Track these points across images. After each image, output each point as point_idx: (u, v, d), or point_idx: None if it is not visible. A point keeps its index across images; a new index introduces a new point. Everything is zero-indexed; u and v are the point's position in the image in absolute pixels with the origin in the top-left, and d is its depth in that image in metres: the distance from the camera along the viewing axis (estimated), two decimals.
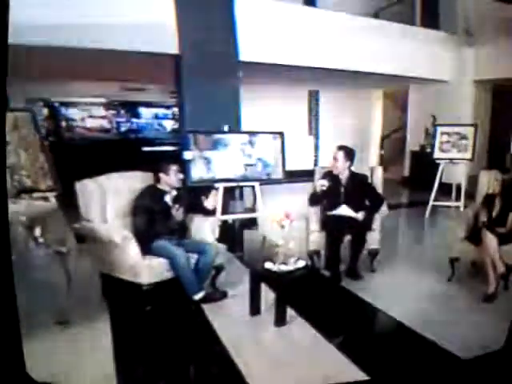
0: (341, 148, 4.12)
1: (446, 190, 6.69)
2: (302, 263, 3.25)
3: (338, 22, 6.99)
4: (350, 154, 4.12)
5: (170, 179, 3.56)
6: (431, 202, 6.38)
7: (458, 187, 6.52)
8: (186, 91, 6.14)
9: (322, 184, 3.98)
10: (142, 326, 3.11)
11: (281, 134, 5.87)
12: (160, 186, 3.58)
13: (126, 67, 6.97)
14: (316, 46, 6.83)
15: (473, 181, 6.22)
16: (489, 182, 4.00)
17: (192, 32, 5.88)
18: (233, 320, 3.19)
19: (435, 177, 6.52)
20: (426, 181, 7.33)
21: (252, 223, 6.12)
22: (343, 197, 4.07)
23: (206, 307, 3.33)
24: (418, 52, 7.72)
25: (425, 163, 7.91)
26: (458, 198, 6.46)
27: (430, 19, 8.27)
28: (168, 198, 3.55)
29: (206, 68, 5.91)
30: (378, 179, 4.38)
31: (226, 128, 6.00)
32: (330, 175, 4.10)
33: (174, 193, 3.59)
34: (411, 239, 5.69)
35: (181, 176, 3.67)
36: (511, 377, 1.91)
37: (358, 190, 4.08)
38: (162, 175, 3.56)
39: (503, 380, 1.91)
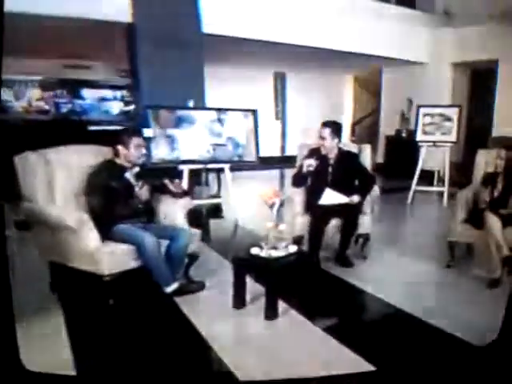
0: (326, 124, 3.86)
1: (424, 175, 6.71)
2: (293, 248, 3.01)
3: None
4: (337, 129, 3.89)
5: (130, 153, 3.20)
6: (414, 187, 6.36)
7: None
8: (142, 65, 5.72)
9: (309, 164, 3.74)
10: (105, 323, 2.76)
11: (254, 111, 5.62)
12: (119, 161, 3.22)
13: (67, 39, 6.38)
14: (284, 21, 6.64)
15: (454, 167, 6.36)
16: (486, 161, 3.94)
17: None
18: (215, 315, 2.89)
19: (412, 162, 6.51)
20: (402, 167, 7.37)
21: (218, 211, 5.85)
22: (331, 177, 3.86)
23: (179, 300, 3.01)
24: (393, 31, 7.71)
25: (401, 148, 7.97)
26: (438, 184, 6.50)
27: None
28: (129, 175, 3.20)
29: (165, 38, 5.53)
30: (366, 159, 4.21)
31: (190, 103, 5.66)
32: (316, 153, 3.87)
33: (137, 169, 3.24)
34: (396, 225, 5.62)
35: (143, 151, 3.35)
36: (504, 368, 1.85)
37: (347, 169, 3.88)
38: (120, 148, 3.20)
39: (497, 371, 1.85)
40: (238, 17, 6.22)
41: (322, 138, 3.83)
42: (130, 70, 6.45)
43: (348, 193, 3.76)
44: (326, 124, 3.88)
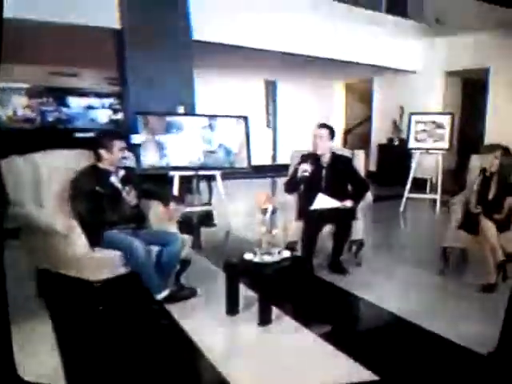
0: (324, 126, 3.96)
1: (417, 183, 6.78)
2: (287, 253, 3.01)
3: (300, 5, 6.87)
4: (332, 132, 3.98)
5: (114, 157, 3.19)
6: (406, 194, 6.42)
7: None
8: (131, 72, 5.73)
9: (304, 169, 3.77)
10: (94, 330, 2.72)
11: (245, 118, 5.65)
12: (102, 166, 3.20)
13: (53, 45, 6.37)
14: (276, 29, 6.71)
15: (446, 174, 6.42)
16: (481, 166, 3.98)
17: (136, 3, 5.50)
18: (207, 321, 2.86)
19: (405, 170, 6.57)
20: (394, 175, 7.44)
21: (209, 219, 5.84)
22: (324, 181, 3.88)
23: (171, 307, 2.99)
24: (384, 40, 7.83)
25: (393, 156, 8.04)
26: (431, 192, 6.58)
27: (397, 6, 8.42)
28: (114, 179, 3.18)
29: (154, 45, 5.55)
30: (360, 164, 4.24)
31: (181, 109, 5.67)
32: (310, 158, 3.90)
33: (122, 172, 3.23)
34: (390, 232, 5.67)
35: (126, 154, 3.39)
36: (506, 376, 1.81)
37: (340, 173, 3.90)
38: (103, 153, 3.18)
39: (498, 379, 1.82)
40: (229, 24, 6.26)
41: (319, 137, 3.87)
42: (119, 77, 6.44)
43: (341, 198, 3.78)
44: (323, 126, 3.97)
